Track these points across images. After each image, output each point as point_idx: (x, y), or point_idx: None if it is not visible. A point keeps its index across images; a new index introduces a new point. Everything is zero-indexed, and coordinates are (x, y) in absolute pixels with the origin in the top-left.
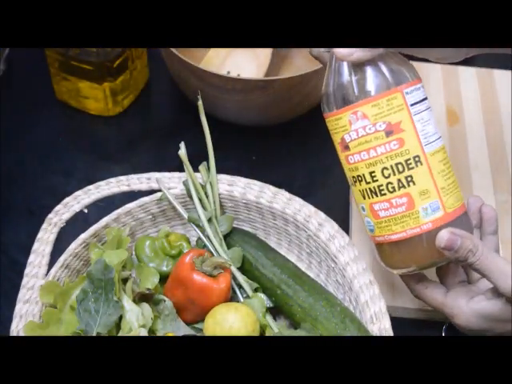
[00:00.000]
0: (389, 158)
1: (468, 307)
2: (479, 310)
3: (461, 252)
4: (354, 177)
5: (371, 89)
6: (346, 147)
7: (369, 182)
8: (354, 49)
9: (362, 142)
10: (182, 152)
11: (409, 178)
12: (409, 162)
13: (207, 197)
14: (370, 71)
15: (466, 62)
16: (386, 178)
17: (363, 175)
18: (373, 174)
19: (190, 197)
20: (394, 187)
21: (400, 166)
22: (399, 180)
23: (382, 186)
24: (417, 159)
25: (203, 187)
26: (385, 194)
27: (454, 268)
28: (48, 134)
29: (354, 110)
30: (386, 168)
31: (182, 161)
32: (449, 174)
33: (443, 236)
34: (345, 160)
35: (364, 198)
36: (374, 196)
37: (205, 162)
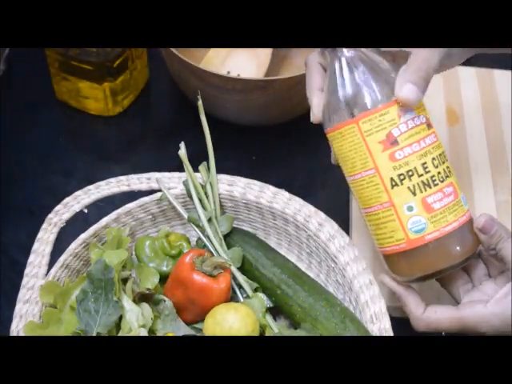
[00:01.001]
0: (434, 148)
1: (488, 311)
2: (500, 310)
3: (495, 238)
4: (401, 174)
5: None
6: (394, 142)
7: (421, 175)
8: (416, 93)
9: (413, 134)
10: (182, 152)
11: (449, 168)
12: (443, 154)
13: (207, 197)
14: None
15: (466, 62)
16: (436, 167)
17: (415, 168)
18: (425, 165)
19: (190, 197)
20: (442, 177)
21: (442, 157)
22: (444, 170)
23: (434, 176)
24: (445, 153)
25: (203, 187)
26: (437, 185)
27: (459, 274)
28: (48, 134)
29: None
30: (434, 158)
31: (182, 161)
32: None
33: (481, 219)
34: (388, 158)
35: (415, 195)
36: (428, 188)
37: (205, 162)
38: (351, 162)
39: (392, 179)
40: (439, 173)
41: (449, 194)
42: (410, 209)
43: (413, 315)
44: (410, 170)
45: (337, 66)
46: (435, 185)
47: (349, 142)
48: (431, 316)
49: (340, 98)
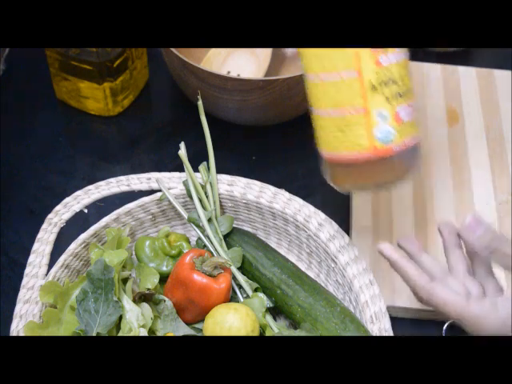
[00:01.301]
0: (408, 64)
1: (503, 306)
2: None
3: (487, 237)
4: (382, 81)
5: None
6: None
7: (399, 85)
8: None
9: None
10: (182, 152)
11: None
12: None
13: (207, 197)
14: None
15: (466, 62)
16: (409, 82)
17: (394, 78)
18: (403, 77)
19: (190, 197)
20: (411, 92)
21: (410, 75)
22: (411, 87)
23: (407, 89)
24: None
25: (203, 187)
26: (409, 98)
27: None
28: (48, 134)
29: None
30: (408, 72)
31: (182, 161)
32: None
33: (468, 217)
34: (374, 63)
35: (390, 103)
36: (401, 99)
37: (205, 162)
38: (329, 59)
39: (373, 84)
40: (411, 88)
41: (413, 110)
42: (382, 117)
43: (416, 283)
44: (391, 79)
45: None
46: (408, 98)
47: None
48: (438, 291)
49: None
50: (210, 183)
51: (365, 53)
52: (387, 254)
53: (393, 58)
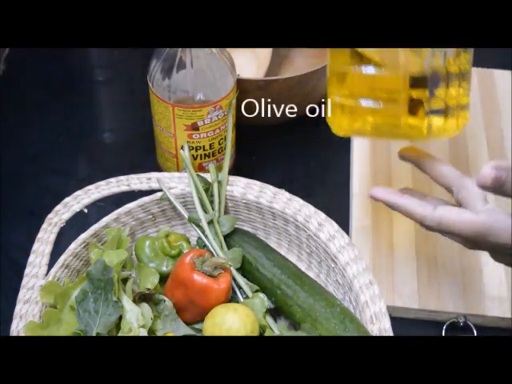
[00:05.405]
0: (223, 131)
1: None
2: None
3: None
4: (192, 146)
5: None
6: (195, 129)
7: (206, 150)
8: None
9: (212, 125)
10: (185, 153)
11: (224, 143)
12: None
13: (213, 196)
14: None
15: None
16: (219, 144)
17: (203, 145)
18: (211, 144)
19: (200, 198)
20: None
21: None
22: (222, 146)
23: (215, 150)
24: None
25: (208, 188)
26: (215, 155)
27: None
28: (48, 134)
29: None
30: (221, 139)
31: (185, 162)
32: None
33: (487, 175)
34: (186, 136)
35: (195, 159)
36: (207, 158)
37: (214, 161)
38: (159, 117)
39: (182, 146)
40: (220, 148)
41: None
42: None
43: (421, 214)
44: (199, 146)
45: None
46: (213, 156)
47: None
48: (445, 214)
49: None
50: (220, 182)
51: (180, 128)
52: (382, 197)
53: (204, 134)
